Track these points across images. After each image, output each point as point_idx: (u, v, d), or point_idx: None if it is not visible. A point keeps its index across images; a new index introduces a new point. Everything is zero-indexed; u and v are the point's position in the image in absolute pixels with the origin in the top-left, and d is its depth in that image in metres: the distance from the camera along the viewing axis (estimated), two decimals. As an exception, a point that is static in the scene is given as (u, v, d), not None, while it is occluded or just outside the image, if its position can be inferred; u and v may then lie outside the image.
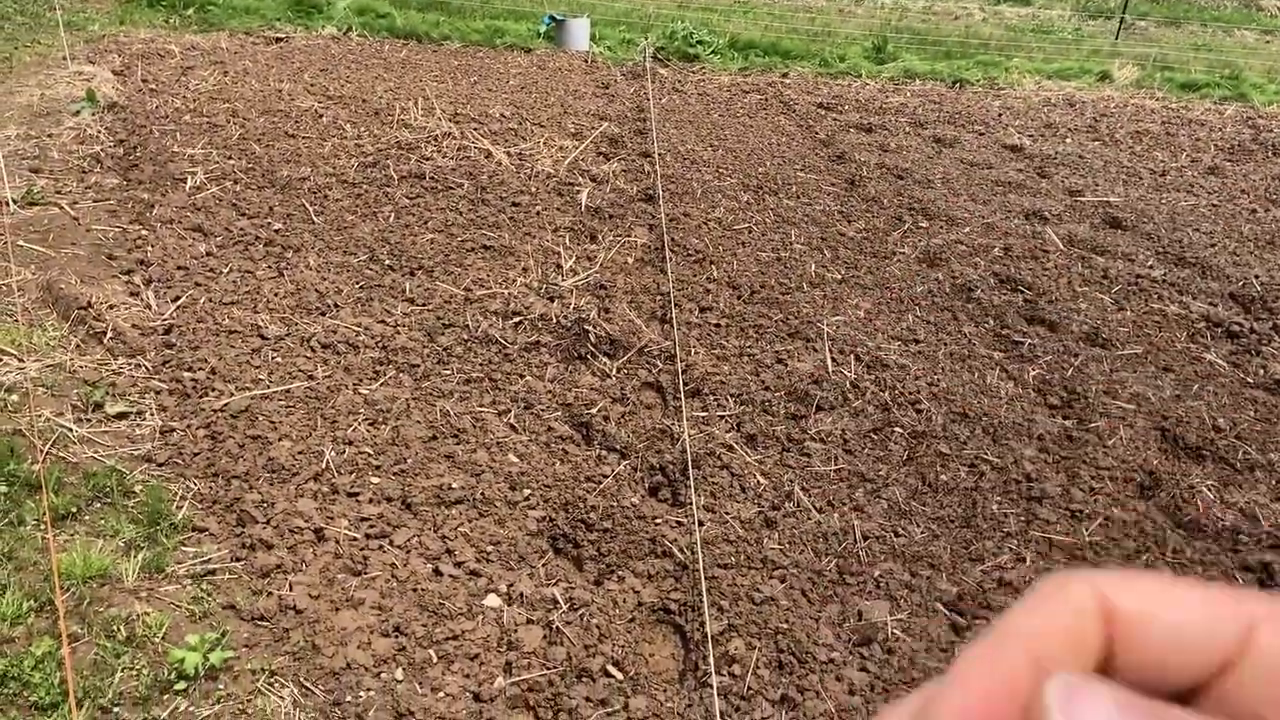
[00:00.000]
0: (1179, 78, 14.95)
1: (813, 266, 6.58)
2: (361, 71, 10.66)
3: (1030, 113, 12.11)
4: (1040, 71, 14.60)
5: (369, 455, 4.24)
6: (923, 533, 4.08)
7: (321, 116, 8.75)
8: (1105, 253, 7.44)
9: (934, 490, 4.35)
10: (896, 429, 4.75)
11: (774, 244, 6.93)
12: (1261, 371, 5.78)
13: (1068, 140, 10.87)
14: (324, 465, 4.13)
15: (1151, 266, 7.21)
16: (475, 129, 8.76)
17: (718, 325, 5.69)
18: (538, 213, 7.06)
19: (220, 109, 8.66)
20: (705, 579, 3.68)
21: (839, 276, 6.50)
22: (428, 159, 7.87)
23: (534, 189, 7.52)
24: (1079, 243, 7.57)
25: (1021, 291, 6.56)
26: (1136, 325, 6.23)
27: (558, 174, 7.90)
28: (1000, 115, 11.80)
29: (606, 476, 4.28)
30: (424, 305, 5.59)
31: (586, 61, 12.66)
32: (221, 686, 3.13)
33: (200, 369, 4.71)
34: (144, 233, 6.11)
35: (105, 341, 4.92)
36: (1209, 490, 4.43)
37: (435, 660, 3.27)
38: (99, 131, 7.84)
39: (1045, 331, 6.05)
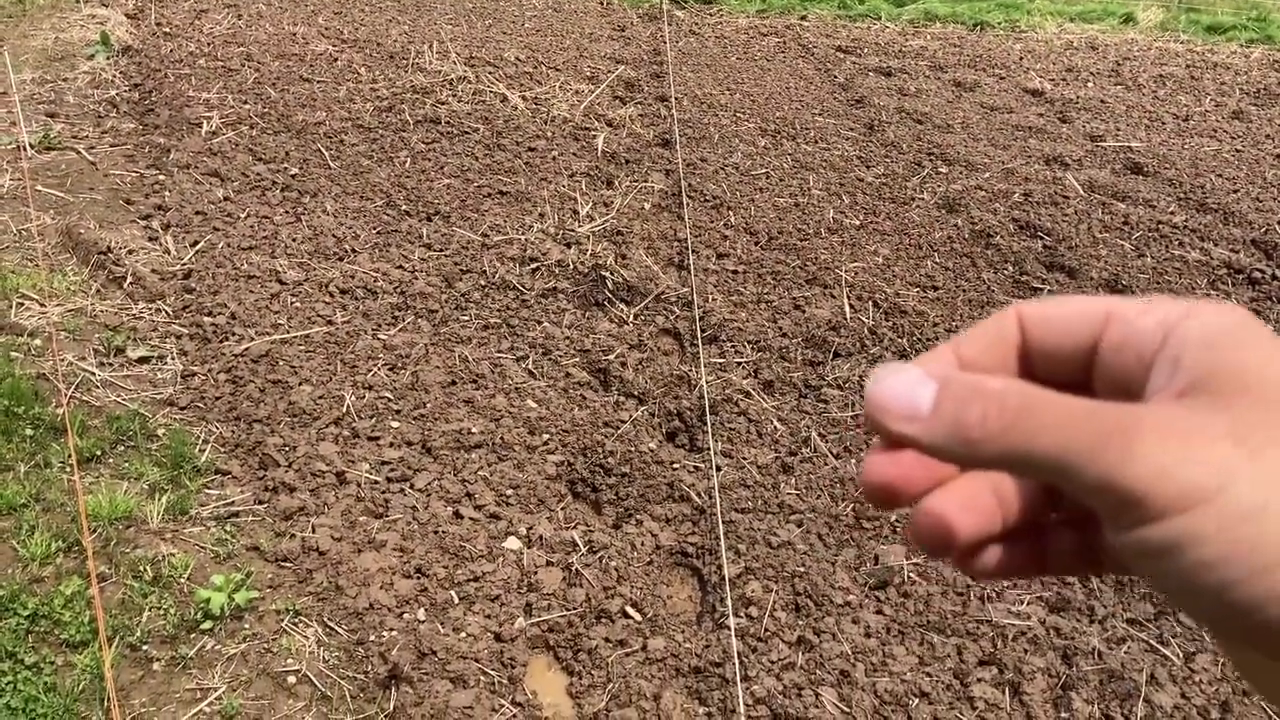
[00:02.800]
0: (1204, 20, 14.67)
1: (831, 212, 6.54)
2: (375, 14, 10.56)
3: (1052, 56, 11.92)
4: (1062, 14, 14.35)
5: (389, 400, 4.27)
6: (939, 478, 4.09)
7: (336, 60, 8.69)
8: (1126, 199, 7.36)
9: (951, 436, 4.36)
10: (914, 375, 4.74)
11: (792, 190, 6.89)
12: (1283, 319, 5.74)
13: (1089, 84, 10.72)
14: (344, 410, 4.16)
15: (1173, 213, 7.14)
16: (490, 73, 8.69)
17: (735, 272, 5.68)
18: (554, 158, 7.02)
19: (235, 53, 8.61)
20: (723, 523, 3.71)
21: (857, 222, 6.46)
22: (443, 103, 7.82)
23: (550, 134, 7.48)
24: (1099, 188, 7.49)
25: (1041, 238, 6.51)
26: (1157, 272, 6.18)
27: (574, 118, 7.84)
28: (1021, 59, 11.63)
29: (624, 422, 4.30)
30: (441, 251, 5.59)
31: (602, 3, 12.50)
32: (247, 626, 3.19)
33: (220, 314, 4.73)
34: (161, 178, 6.11)
35: (125, 286, 4.94)
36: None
37: (456, 601, 3.32)
38: (114, 76, 7.81)
39: (1064, 278, 6.01)
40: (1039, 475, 0.41)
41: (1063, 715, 3.07)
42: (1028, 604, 3.46)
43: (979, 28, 13.39)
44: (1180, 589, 0.39)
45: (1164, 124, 9.42)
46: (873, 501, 0.46)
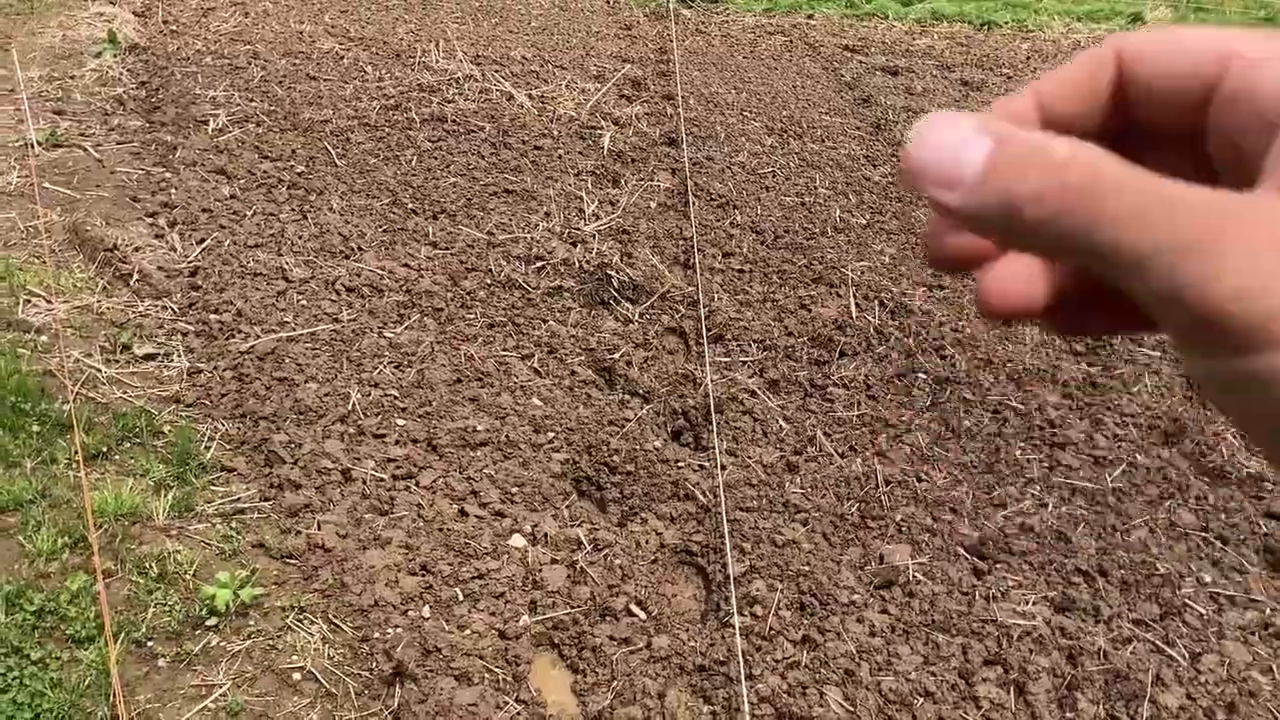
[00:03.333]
0: (1213, 19, 14.64)
1: (837, 211, 6.54)
2: (382, 13, 10.56)
3: (1059, 56, 11.89)
4: (1070, 13, 14.33)
5: (394, 397, 4.27)
6: (945, 478, 4.09)
7: (343, 58, 8.70)
8: (1133, 199, 7.34)
9: (957, 436, 4.36)
10: (920, 375, 4.74)
11: (798, 189, 6.88)
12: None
13: (1097, 84, 10.69)
14: (350, 407, 4.16)
15: (1180, 213, 7.11)
16: (496, 71, 8.69)
17: (741, 271, 5.67)
18: (560, 156, 7.02)
19: (241, 50, 8.62)
20: (727, 521, 3.71)
21: (864, 221, 6.45)
22: (449, 102, 7.83)
23: (556, 132, 7.48)
24: (1107, 188, 7.46)
25: (1048, 237, 6.49)
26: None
27: (580, 117, 7.84)
28: (1029, 58, 11.61)
29: (629, 420, 4.30)
30: (447, 249, 5.59)
31: (609, 2, 12.49)
32: (252, 622, 3.20)
33: (226, 311, 4.74)
34: (167, 175, 6.12)
35: (131, 283, 4.95)
36: (1233, 437, 4.42)
37: (461, 598, 3.32)
38: (121, 73, 7.82)
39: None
40: (1099, 270, 0.34)
41: (1068, 716, 3.06)
42: (1033, 604, 3.46)
43: (986, 27, 13.37)
44: (1269, 431, 0.33)
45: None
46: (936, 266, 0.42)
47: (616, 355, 4.75)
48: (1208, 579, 3.64)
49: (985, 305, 0.40)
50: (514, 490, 3.85)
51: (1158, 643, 3.35)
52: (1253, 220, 0.32)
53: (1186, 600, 3.53)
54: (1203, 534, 3.87)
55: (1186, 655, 3.31)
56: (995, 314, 0.41)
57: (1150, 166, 0.33)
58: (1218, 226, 0.31)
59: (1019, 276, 0.40)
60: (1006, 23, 13.59)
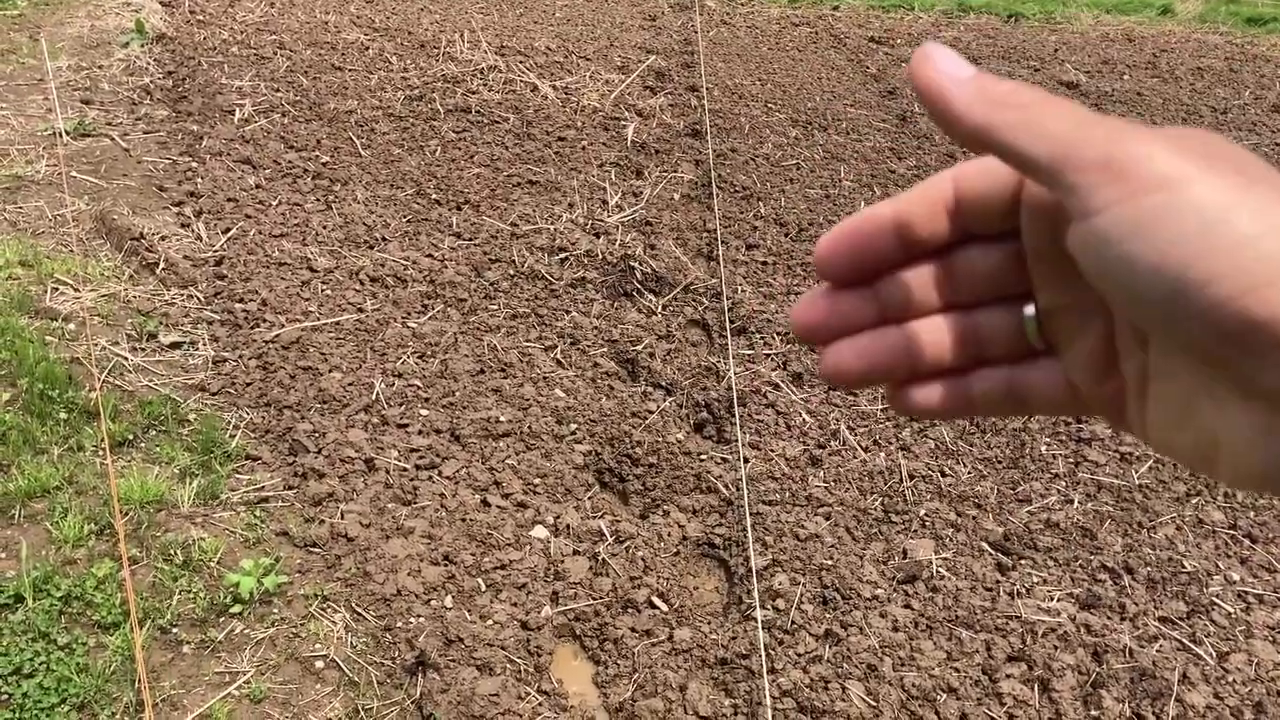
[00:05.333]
0: (1244, 11, 14.46)
1: (862, 204, 6.50)
2: (407, 3, 10.58)
3: (1087, 48, 11.78)
4: (1099, 5, 14.18)
5: (418, 387, 4.28)
6: (969, 473, 4.06)
7: (368, 49, 8.71)
8: (1162, 192, 7.26)
9: (981, 430, 4.33)
10: (944, 369, 4.71)
11: (823, 181, 6.85)
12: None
13: (1125, 77, 10.59)
14: (374, 397, 4.17)
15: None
16: (521, 62, 8.69)
17: (765, 263, 5.65)
18: (583, 148, 7.01)
19: (267, 41, 8.65)
20: (750, 515, 3.70)
21: (888, 214, 6.40)
22: (473, 92, 7.83)
23: (580, 123, 7.47)
24: (1135, 182, 7.39)
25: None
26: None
27: (604, 108, 7.82)
28: (1056, 51, 11.50)
29: (652, 412, 4.30)
30: (471, 240, 5.60)
31: (633, -6, 12.46)
32: (276, 610, 3.21)
33: (251, 300, 4.76)
34: (194, 164, 6.15)
35: (158, 272, 4.98)
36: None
37: (484, 589, 3.33)
38: (148, 63, 7.86)
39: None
40: (1037, 156, 0.43)
41: (1093, 713, 3.04)
42: (1058, 600, 3.43)
43: (1013, 19, 13.26)
44: (1133, 279, 0.41)
45: (1201, 117, 9.29)
46: (798, 336, 0.53)
47: (639, 347, 4.74)
48: (1236, 577, 3.60)
49: (838, 362, 0.52)
50: (536, 481, 3.85)
51: (1184, 641, 3.32)
52: (1153, 134, 0.42)
53: (1214, 598, 3.49)
54: (1231, 532, 3.83)
55: (1214, 654, 3.27)
56: (850, 370, 0.52)
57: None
58: (1133, 129, 0.42)
59: (883, 342, 0.52)
60: (1034, 15, 13.46)
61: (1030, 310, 0.51)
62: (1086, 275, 0.44)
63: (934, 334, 0.52)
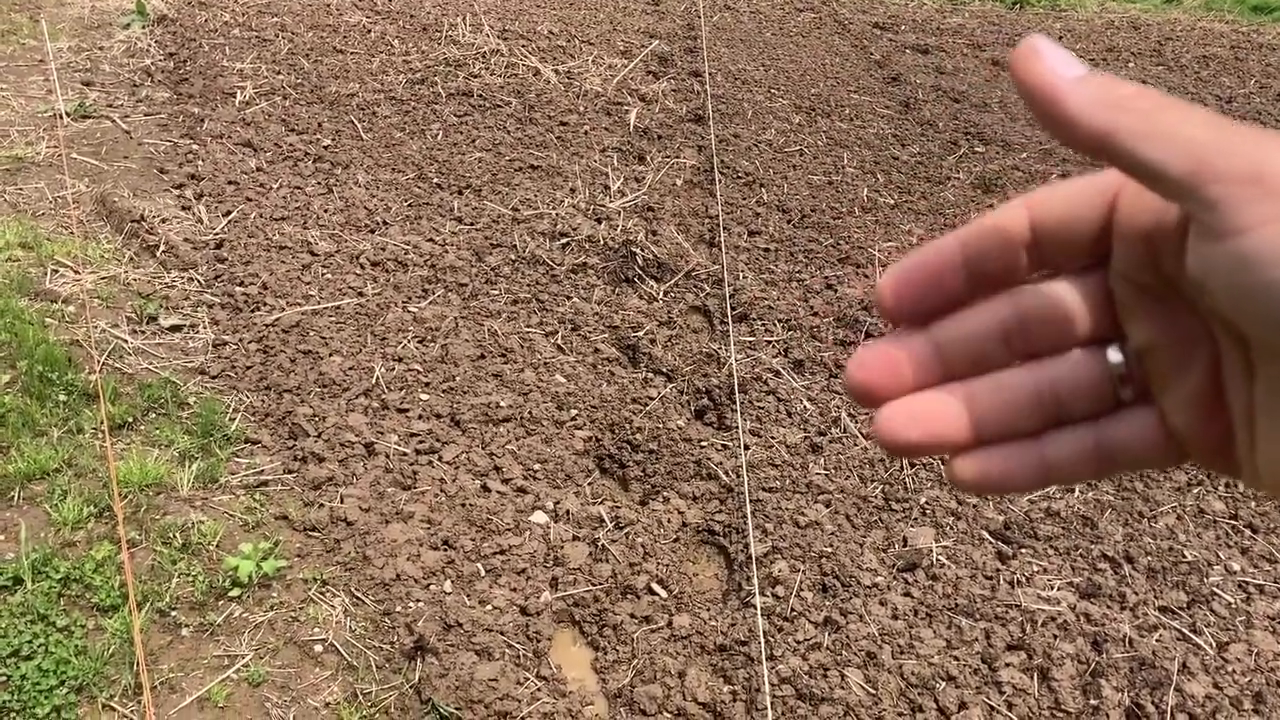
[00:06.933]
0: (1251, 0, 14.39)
1: (865, 191, 6.47)
2: (409, -14, 10.53)
3: (1092, 36, 11.73)
4: (1105, -8, 14.11)
5: (418, 372, 4.27)
6: (970, 461, 4.05)
7: (370, 32, 8.67)
8: (1167, 181, 7.23)
9: (983, 419, 4.31)
10: (946, 357, 4.69)
11: (825, 167, 6.82)
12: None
13: (1130, 65, 10.54)
14: (374, 381, 4.16)
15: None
16: (523, 46, 8.65)
17: (767, 249, 5.63)
18: (585, 132, 6.99)
19: (269, 23, 8.61)
20: (750, 501, 3.69)
21: (891, 201, 6.39)
22: (476, 76, 7.80)
23: (582, 108, 7.44)
24: (1140, 170, 7.35)
25: (1078, 220, 6.41)
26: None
27: (606, 93, 7.79)
28: (1061, 38, 11.44)
29: (652, 399, 4.29)
30: (472, 224, 5.58)
31: (637, -22, 12.40)
32: (274, 594, 3.21)
33: (252, 283, 4.74)
34: (194, 147, 6.13)
35: (158, 255, 4.96)
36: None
37: (483, 574, 3.32)
38: (149, 45, 7.84)
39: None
40: (1168, 167, 0.39)
41: (1092, 702, 3.04)
42: (1058, 589, 3.42)
43: (1019, 6, 13.19)
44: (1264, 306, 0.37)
45: (1206, 105, 9.23)
46: (853, 396, 0.48)
47: (640, 333, 4.73)
48: (1236, 567, 3.60)
49: (893, 429, 0.47)
50: (536, 467, 3.84)
51: (1184, 630, 3.31)
52: None
53: (1214, 588, 3.49)
54: (1231, 522, 3.82)
55: (1213, 644, 3.27)
56: (905, 440, 0.46)
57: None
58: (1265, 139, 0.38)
59: (943, 405, 0.47)
60: (1039, 1, 13.40)
61: (1115, 354, 0.46)
62: (1214, 301, 0.39)
63: (1003, 393, 0.47)
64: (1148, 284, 0.44)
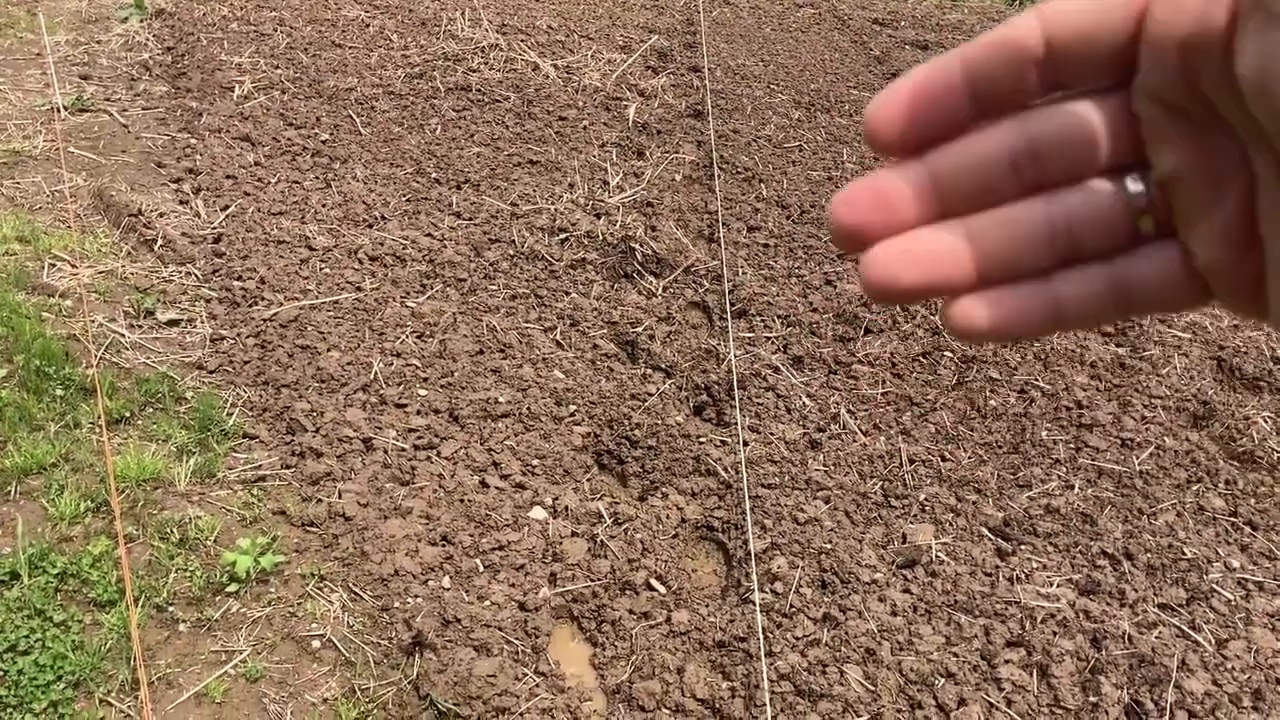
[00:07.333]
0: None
1: (864, 187, 6.45)
2: (408, -20, 10.50)
3: (1093, 32, 11.70)
4: (1105, -11, 14.08)
5: (416, 367, 4.26)
6: (970, 458, 4.05)
7: (368, 26, 8.65)
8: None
9: (982, 415, 4.31)
10: (946, 353, 4.69)
11: (825, 163, 6.81)
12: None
13: (1131, 61, 10.52)
14: (372, 376, 4.15)
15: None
16: (522, 40, 8.63)
17: (766, 245, 5.62)
18: (584, 127, 6.97)
19: (267, 17, 8.58)
20: (749, 498, 3.68)
21: (890, 197, 6.37)
22: (474, 71, 7.78)
23: (581, 103, 7.42)
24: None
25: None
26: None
27: (605, 88, 7.78)
28: (1061, 34, 11.43)
29: (651, 395, 4.28)
30: (470, 220, 5.57)
31: (636, -27, 12.38)
32: (272, 590, 3.20)
33: (250, 278, 4.73)
34: (192, 141, 6.11)
35: (156, 249, 4.95)
36: (1265, 422, 4.35)
37: (481, 569, 3.32)
38: (147, 39, 7.81)
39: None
40: None
41: (1091, 699, 3.03)
42: (1057, 586, 3.42)
43: (1018, 2, 13.18)
44: None
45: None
46: (840, 240, 0.42)
47: (639, 329, 4.71)
48: (1236, 564, 3.59)
49: (885, 273, 0.41)
50: (535, 462, 3.83)
51: (1184, 627, 3.31)
52: None
53: (1214, 585, 3.48)
54: (1231, 519, 3.82)
55: (1213, 641, 3.27)
56: (900, 283, 0.41)
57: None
58: None
59: (944, 243, 0.42)
60: (1039, -2, 13.36)
61: (1134, 184, 0.41)
62: (1259, 89, 0.35)
63: (1011, 226, 0.42)
64: (1179, 103, 0.39)
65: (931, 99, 0.42)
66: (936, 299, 0.43)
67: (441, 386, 4.18)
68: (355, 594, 3.22)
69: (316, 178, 5.83)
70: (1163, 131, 0.40)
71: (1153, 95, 0.40)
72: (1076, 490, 3.89)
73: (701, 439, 4.06)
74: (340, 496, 3.54)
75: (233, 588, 3.17)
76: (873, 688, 3.03)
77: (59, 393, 3.87)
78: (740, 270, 5.29)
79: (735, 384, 4.31)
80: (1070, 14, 0.39)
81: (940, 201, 0.42)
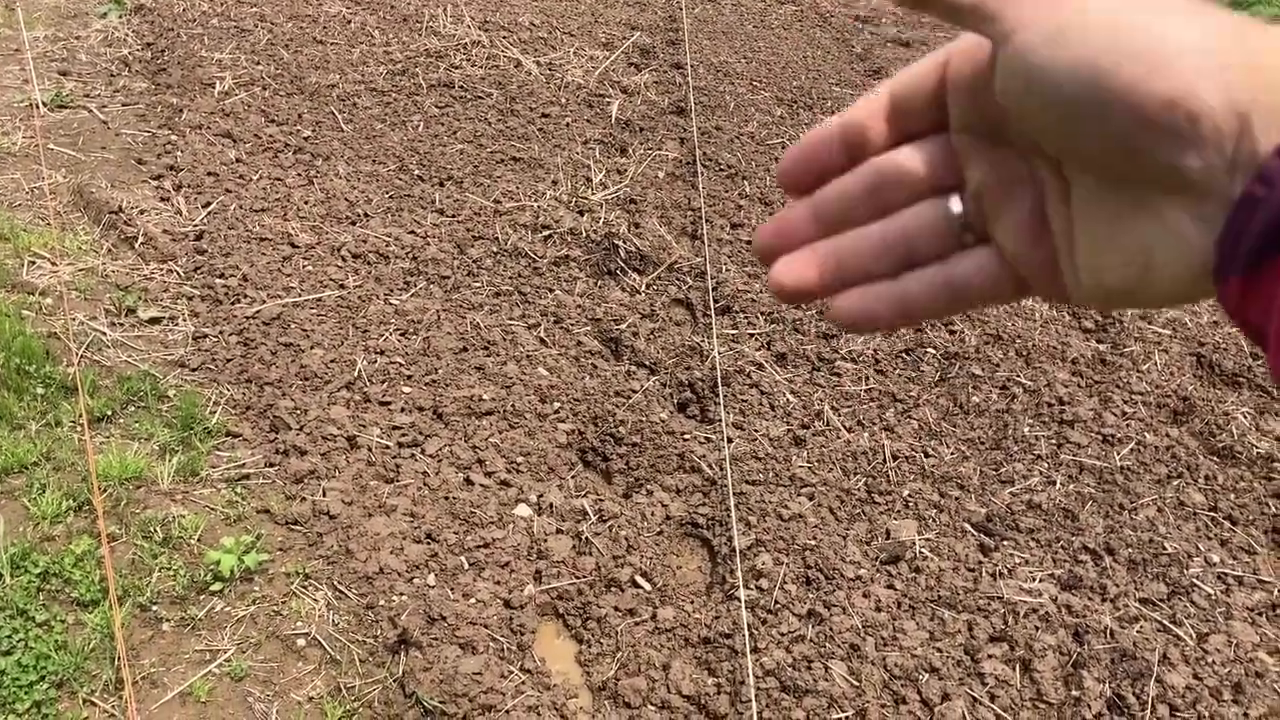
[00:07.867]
0: (1228, -5, 14.45)
1: (846, 184, 6.47)
2: (389, -24, 10.45)
3: (1073, 30, 11.76)
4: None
5: (400, 365, 4.25)
6: (952, 453, 4.07)
7: (350, 22, 8.61)
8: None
9: (965, 411, 4.33)
10: (929, 350, 4.71)
11: (807, 160, 6.81)
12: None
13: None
14: (356, 374, 4.14)
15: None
16: (504, 37, 8.61)
17: (749, 242, 5.63)
18: (567, 124, 6.96)
19: (247, 13, 8.53)
20: (733, 495, 3.69)
21: (873, 195, 6.39)
22: (457, 68, 7.75)
23: (564, 100, 7.41)
24: (1119, 165, 7.40)
25: (1059, 213, 6.44)
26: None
27: (588, 85, 7.77)
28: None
29: (635, 392, 4.28)
30: (453, 216, 5.55)
31: (618, -30, 12.36)
32: (257, 588, 3.19)
33: (232, 275, 4.71)
34: (173, 138, 6.07)
35: (137, 246, 4.92)
36: (1243, 417, 4.39)
37: (466, 567, 3.31)
38: (126, 34, 7.75)
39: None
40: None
41: (1073, 693, 3.06)
42: (1040, 581, 3.44)
43: None
44: (1056, 85, 0.43)
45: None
46: (758, 258, 0.57)
47: (623, 326, 4.72)
48: (1216, 559, 3.63)
49: (776, 278, 0.56)
50: (520, 460, 3.83)
51: (1165, 622, 3.34)
52: None
53: (1194, 580, 3.51)
54: (1211, 514, 3.85)
55: (1193, 635, 3.30)
56: (785, 284, 0.56)
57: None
58: None
59: (814, 255, 0.55)
60: (1020, -5, 13.41)
61: (955, 203, 0.53)
62: (1009, 104, 0.46)
63: (862, 241, 0.54)
64: (978, 131, 0.51)
65: (815, 156, 0.55)
66: (817, 297, 0.55)
67: (425, 384, 4.17)
68: (340, 592, 3.21)
69: (299, 174, 5.81)
70: (970, 155, 0.52)
71: (959, 127, 0.52)
72: (1058, 486, 3.92)
73: (686, 436, 4.07)
74: (324, 494, 3.53)
75: (217, 586, 3.16)
76: (857, 683, 3.04)
77: (40, 391, 3.85)
78: (724, 267, 5.30)
79: (719, 381, 4.32)
80: (905, 75, 0.53)
81: (820, 226, 0.55)
